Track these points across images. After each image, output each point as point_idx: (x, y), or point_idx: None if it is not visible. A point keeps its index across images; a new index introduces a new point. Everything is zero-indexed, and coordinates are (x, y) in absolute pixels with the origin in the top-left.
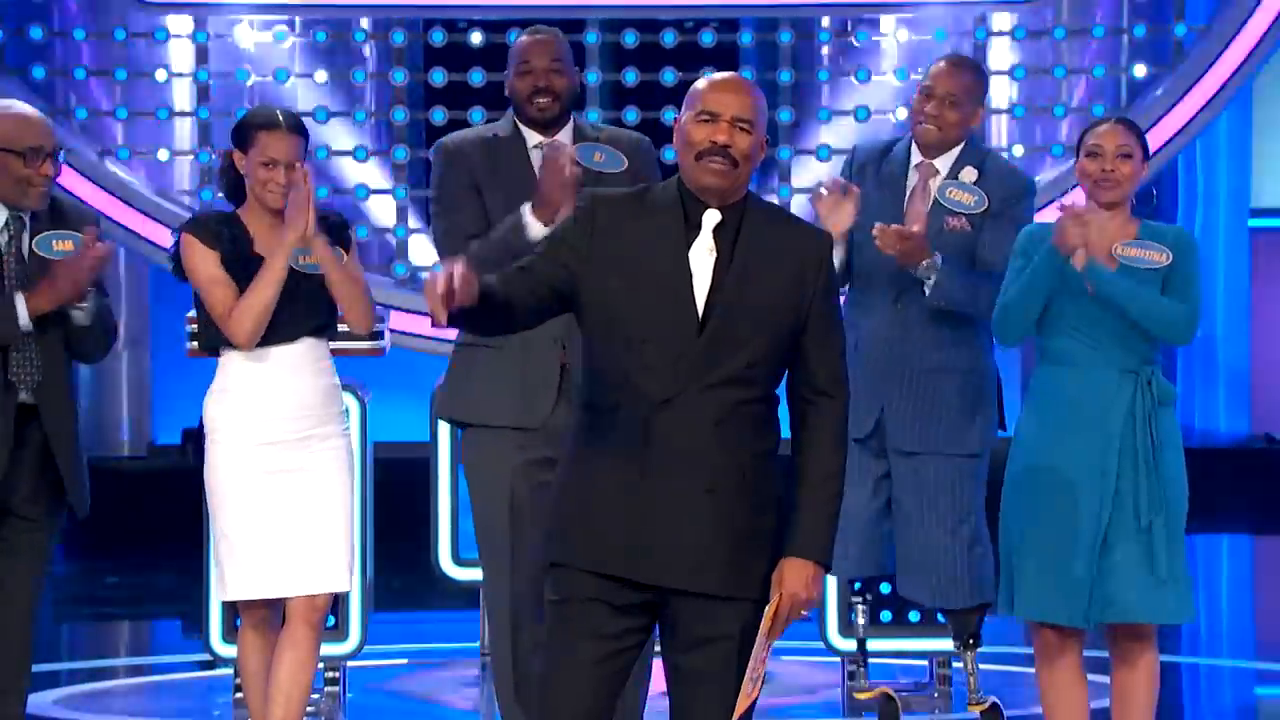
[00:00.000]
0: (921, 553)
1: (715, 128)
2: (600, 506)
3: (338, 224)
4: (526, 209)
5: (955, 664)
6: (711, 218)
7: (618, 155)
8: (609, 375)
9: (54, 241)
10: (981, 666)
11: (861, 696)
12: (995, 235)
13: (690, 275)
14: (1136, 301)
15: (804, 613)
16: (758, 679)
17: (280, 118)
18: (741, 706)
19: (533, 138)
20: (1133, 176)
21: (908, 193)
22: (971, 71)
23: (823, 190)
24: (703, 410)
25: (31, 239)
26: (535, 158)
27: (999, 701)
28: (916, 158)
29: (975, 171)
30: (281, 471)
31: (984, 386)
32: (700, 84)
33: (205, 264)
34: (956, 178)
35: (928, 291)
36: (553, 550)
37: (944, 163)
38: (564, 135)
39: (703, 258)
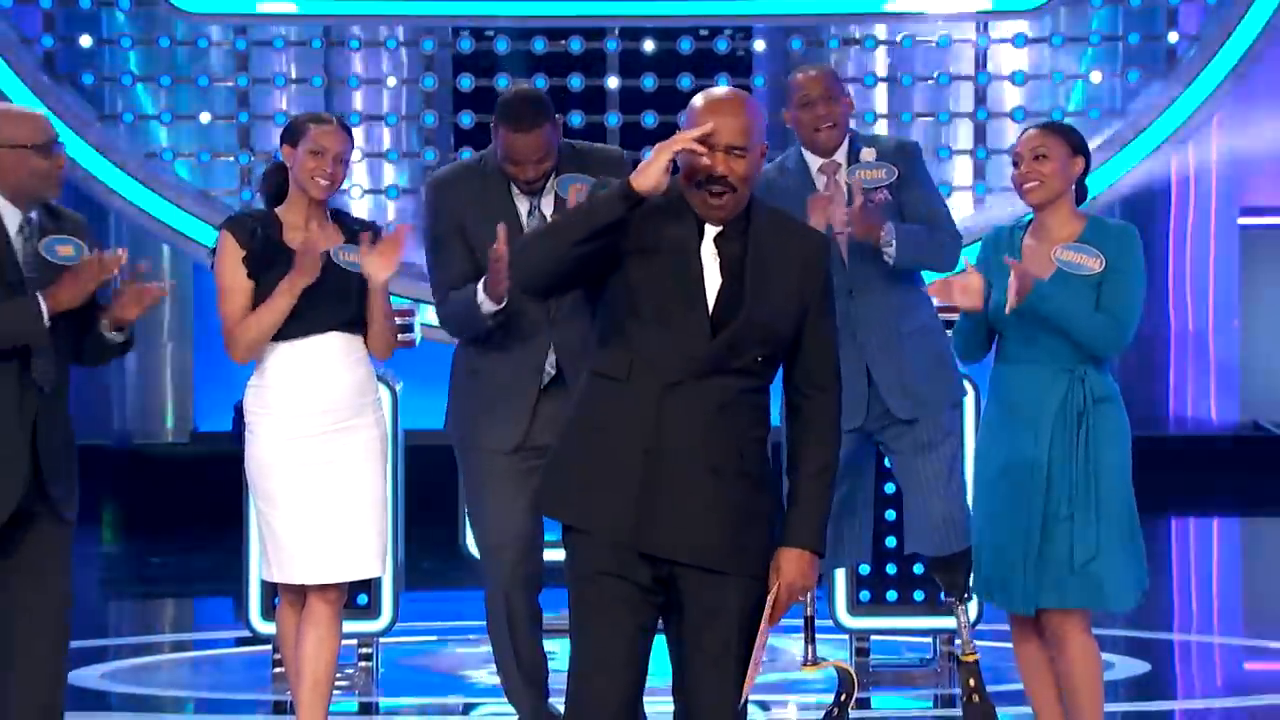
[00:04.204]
0: (919, 505)
1: (711, 158)
2: (610, 478)
3: (377, 231)
4: (480, 287)
5: (956, 642)
6: (713, 228)
7: (598, 185)
8: (623, 350)
9: (57, 246)
10: (983, 644)
11: (809, 670)
12: (915, 195)
13: (704, 284)
14: (1065, 318)
15: (801, 598)
16: (757, 663)
17: (332, 117)
18: (745, 689)
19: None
20: (1054, 175)
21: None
22: (830, 70)
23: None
24: (709, 395)
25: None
26: (521, 201)
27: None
28: (815, 163)
29: (873, 150)
30: (316, 463)
31: (940, 343)
32: (697, 104)
33: (230, 267)
34: (859, 162)
35: (892, 259)
36: (566, 513)
37: (841, 155)
38: (547, 183)
39: (709, 262)
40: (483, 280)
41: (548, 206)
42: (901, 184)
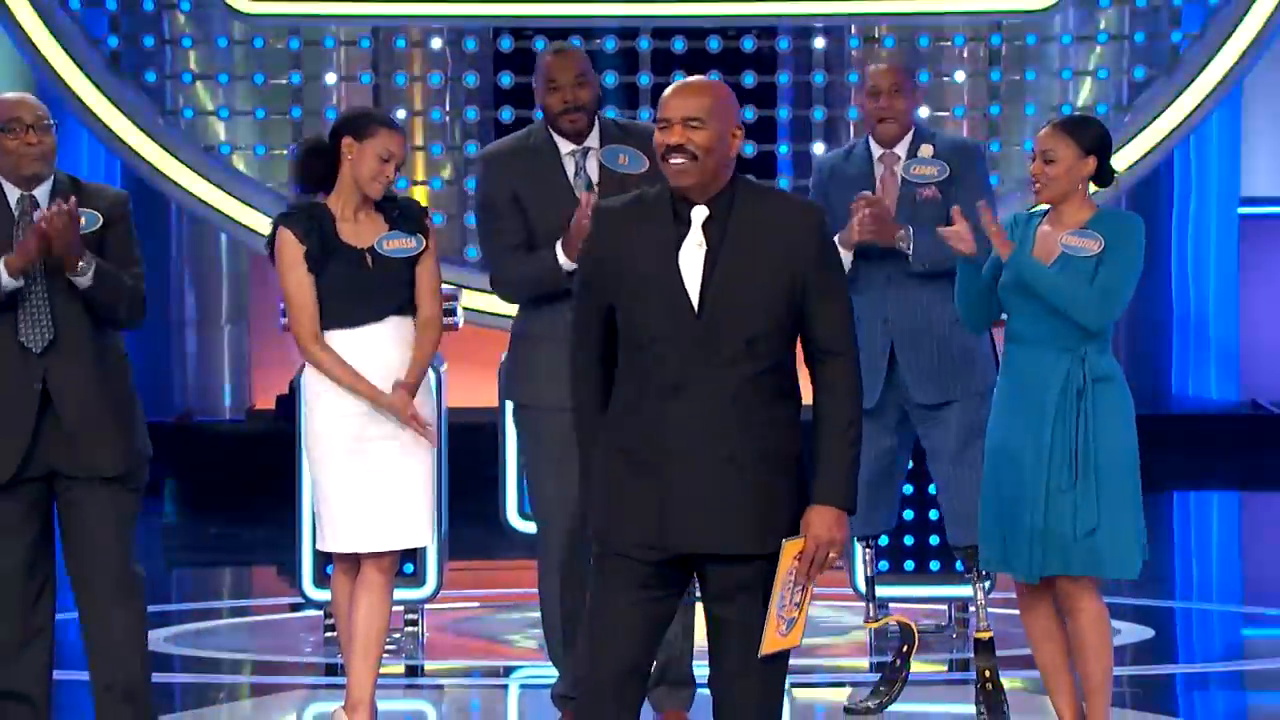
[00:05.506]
0: (945, 492)
1: (669, 131)
2: (629, 493)
3: (416, 212)
4: (558, 246)
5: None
6: (700, 214)
7: (640, 156)
8: (630, 369)
9: None
10: (993, 610)
11: (871, 626)
12: (965, 195)
13: (679, 273)
14: (1048, 284)
15: (833, 555)
16: (794, 621)
17: (396, 120)
18: (775, 645)
19: (565, 145)
20: (1060, 178)
21: (877, 185)
22: (902, 64)
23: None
24: (716, 387)
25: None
26: (569, 164)
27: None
28: (877, 152)
29: (931, 146)
30: (371, 437)
31: (969, 340)
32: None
33: (291, 264)
34: (915, 157)
35: (910, 260)
36: (600, 530)
37: (901, 149)
38: (592, 139)
39: (694, 252)
40: (560, 241)
41: (593, 171)
42: (954, 182)
